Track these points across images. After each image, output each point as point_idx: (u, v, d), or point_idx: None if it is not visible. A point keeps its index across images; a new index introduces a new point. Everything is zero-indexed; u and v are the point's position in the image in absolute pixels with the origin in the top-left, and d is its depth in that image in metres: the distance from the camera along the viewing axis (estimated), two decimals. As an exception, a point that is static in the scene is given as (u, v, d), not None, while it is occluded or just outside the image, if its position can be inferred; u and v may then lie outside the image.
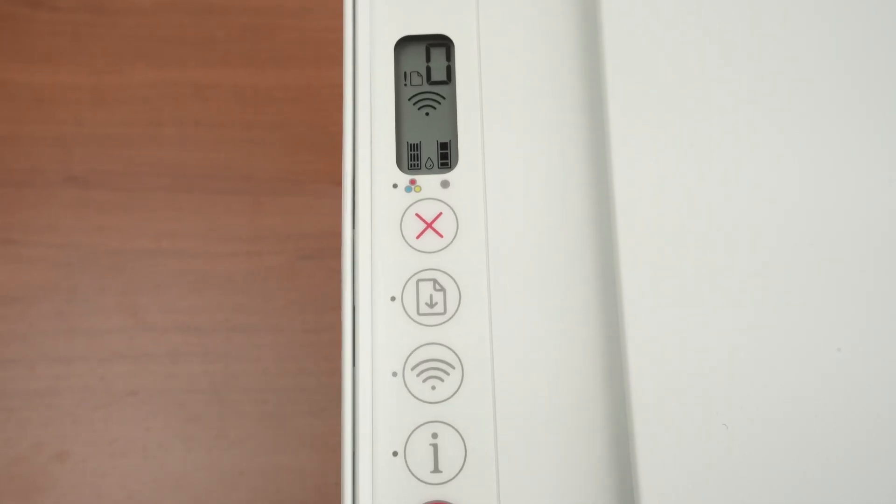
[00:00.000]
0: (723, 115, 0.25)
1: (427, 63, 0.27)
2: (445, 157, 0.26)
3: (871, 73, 0.25)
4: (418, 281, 0.25)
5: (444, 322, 0.24)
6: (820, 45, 0.25)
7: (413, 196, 0.26)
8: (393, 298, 0.25)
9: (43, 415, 0.41)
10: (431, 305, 0.25)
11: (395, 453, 0.23)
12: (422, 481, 0.23)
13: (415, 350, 0.24)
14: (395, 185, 0.26)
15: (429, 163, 0.26)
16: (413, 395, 0.24)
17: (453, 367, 0.24)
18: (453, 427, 0.24)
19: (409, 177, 0.26)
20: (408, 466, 0.23)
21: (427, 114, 0.27)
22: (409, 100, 0.27)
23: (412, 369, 0.24)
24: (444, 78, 0.27)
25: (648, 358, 0.23)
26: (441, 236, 0.25)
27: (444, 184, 0.26)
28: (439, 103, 0.27)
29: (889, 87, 0.25)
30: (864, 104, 0.25)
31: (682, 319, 0.23)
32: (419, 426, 0.24)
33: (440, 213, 0.25)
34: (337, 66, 0.27)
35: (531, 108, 0.26)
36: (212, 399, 0.41)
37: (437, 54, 0.27)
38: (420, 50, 0.27)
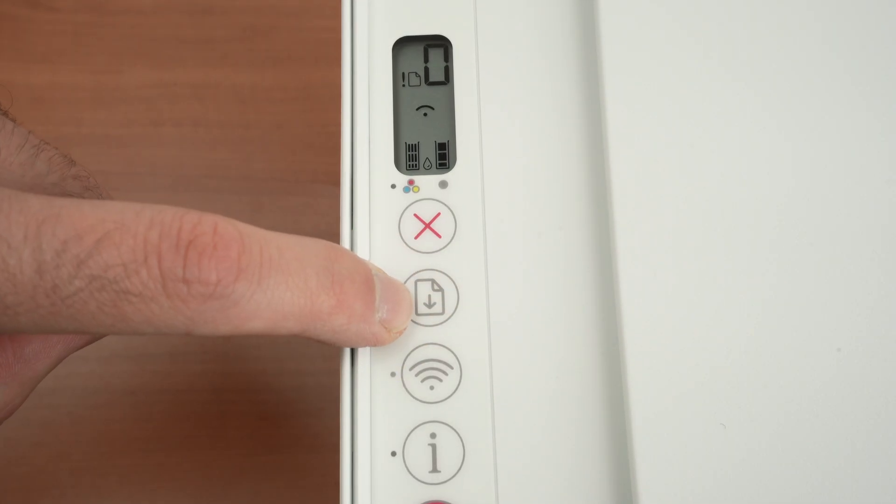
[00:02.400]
0: (722, 114, 0.25)
1: (425, 63, 0.27)
2: (444, 158, 0.26)
3: (872, 72, 0.25)
4: (416, 281, 0.25)
5: (442, 322, 0.24)
6: (821, 42, 0.25)
7: (411, 196, 0.26)
8: (391, 299, 0.25)
9: (43, 415, 0.41)
10: (430, 306, 0.25)
11: (393, 453, 0.23)
12: (420, 481, 0.23)
13: (413, 350, 0.24)
14: (393, 186, 0.26)
15: (427, 163, 0.26)
16: (411, 395, 0.24)
17: (452, 368, 0.24)
18: (452, 427, 0.24)
19: (408, 177, 0.26)
20: (406, 466, 0.23)
21: (425, 114, 0.27)
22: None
23: (410, 369, 0.24)
24: (442, 78, 0.27)
25: (647, 358, 0.23)
26: (439, 237, 0.25)
27: (443, 184, 0.26)
28: (436, 107, 0.27)
29: (890, 87, 0.25)
30: (864, 104, 0.25)
31: (681, 319, 0.23)
32: (417, 426, 0.24)
33: (438, 214, 0.25)
34: (335, 66, 0.27)
35: (529, 108, 0.26)
36: (211, 399, 0.41)
37: (436, 55, 0.27)
38: (418, 50, 0.27)
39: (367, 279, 0.22)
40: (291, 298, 0.20)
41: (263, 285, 0.20)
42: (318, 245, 0.22)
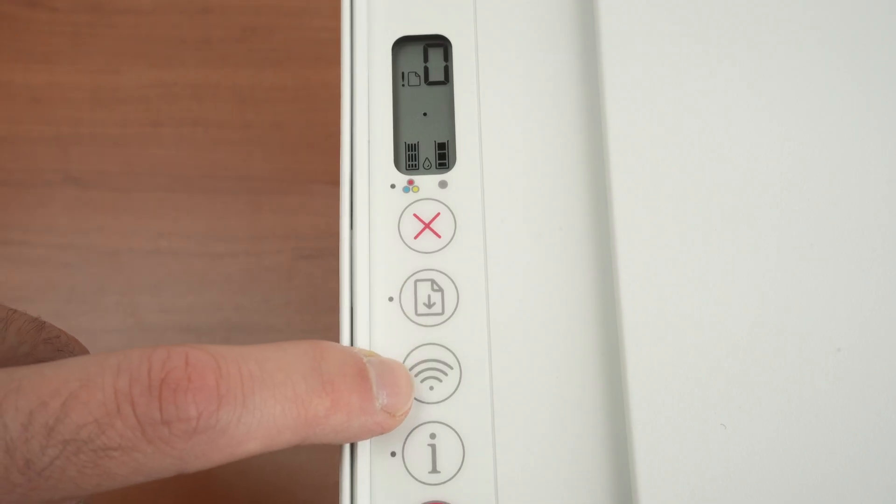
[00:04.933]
0: (722, 114, 0.25)
1: (425, 63, 0.27)
2: (443, 158, 0.26)
3: (873, 71, 0.25)
4: (416, 281, 0.25)
5: (442, 322, 0.24)
6: (822, 41, 0.25)
7: (411, 196, 0.26)
8: (391, 299, 0.25)
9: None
10: (429, 306, 0.25)
11: (393, 454, 0.23)
12: (420, 482, 0.23)
13: (413, 350, 0.24)
14: (392, 186, 0.26)
15: (426, 163, 0.26)
16: (411, 396, 0.24)
17: (451, 368, 0.24)
18: (451, 427, 0.24)
19: (407, 177, 0.26)
20: (406, 467, 0.23)
21: (425, 114, 0.27)
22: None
23: (410, 370, 0.24)
24: (441, 78, 0.27)
25: (647, 358, 0.23)
26: (439, 237, 0.25)
27: (442, 184, 0.26)
28: (437, 106, 0.27)
29: (891, 86, 0.25)
30: (865, 103, 0.25)
31: (681, 319, 0.23)
32: (417, 426, 0.24)
33: (438, 214, 0.25)
34: (335, 66, 0.27)
35: (529, 108, 0.26)
36: (210, 399, 0.41)
37: (435, 54, 0.27)
38: (418, 50, 0.27)
39: (359, 370, 0.22)
40: (283, 411, 0.20)
41: (250, 405, 0.19)
42: (300, 348, 0.21)
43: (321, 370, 0.21)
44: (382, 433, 0.22)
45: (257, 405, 0.19)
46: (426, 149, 0.26)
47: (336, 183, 0.25)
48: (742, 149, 0.24)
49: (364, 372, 0.22)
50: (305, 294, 0.43)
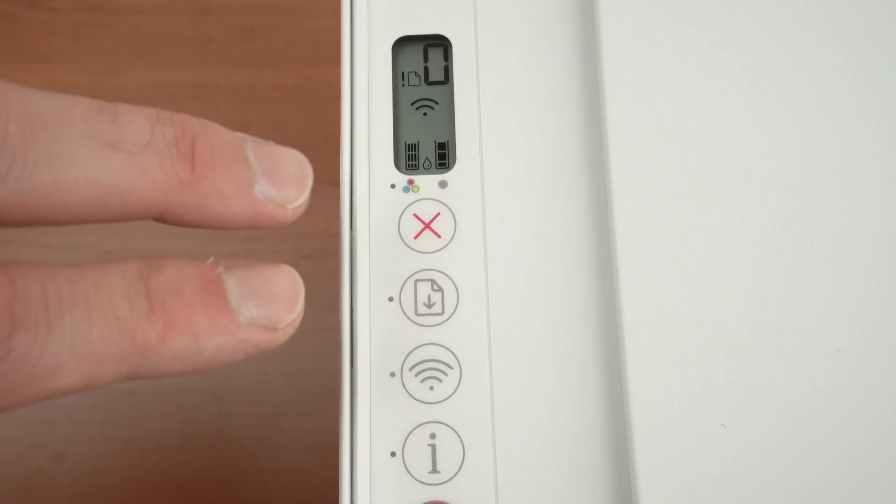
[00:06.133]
0: (723, 114, 0.25)
1: (425, 63, 0.27)
2: (443, 158, 0.26)
3: (874, 71, 0.25)
4: (416, 281, 0.25)
5: (442, 322, 0.24)
6: (823, 41, 0.25)
7: (411, 196, 0.26)
8: (391, 299, 0.25)
9: (41, 415, 0.41)
10: (429, 306, 0.25)
11: (392, 454, 0.23)
12: (420, 482, 0.23)
13: (413, 350, 0.24)
14: (392, 186, 0.26)
15: (426, 163, 0.26)
16: (411, 396, 0.24)
17: (451, 368, 0.24)
18: (451, 427, 0.24)
19: (407, 177, 0.26)
20: (406, 467, 0.23)
21: (425, 114, 0.27)
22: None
23: (410, 369, 0.24)
24: (441, 78, 0.27)
25: (647, 358, 0.23)
26: (439, 237, 0.25)
27: (442, 184, 0.26)
28: (437, 103, 0.27)
29: (891, 86, 0.25)
30: (865, 103, 0.25)
31: (681, 319, 0.23)
32: (417, 426, 0.24)
33: (438, 214, 0.25)
34: (335, 66, 0.27)
35: (529, 108, 0.26)
36: (210, 399, 0.41)
37: (435, 54, 0.27)
38: (418, 50, 0.27)
39: (205, 283, 0.18)
40: (102, 336, 0.16)
41: (56, 329, 0.16)
42: (126, 265, 0.17)
43: (148, 287, 0.17)
44: (261, 350, 0.19)
45: (66, 330, 0.16)
46: (426, 149, 0.26)
47: (336, 183, 0.25)
48: (742, 149, 0.24)
49: (214, 284, 0.18)
50: (305, 294, 0.43)
